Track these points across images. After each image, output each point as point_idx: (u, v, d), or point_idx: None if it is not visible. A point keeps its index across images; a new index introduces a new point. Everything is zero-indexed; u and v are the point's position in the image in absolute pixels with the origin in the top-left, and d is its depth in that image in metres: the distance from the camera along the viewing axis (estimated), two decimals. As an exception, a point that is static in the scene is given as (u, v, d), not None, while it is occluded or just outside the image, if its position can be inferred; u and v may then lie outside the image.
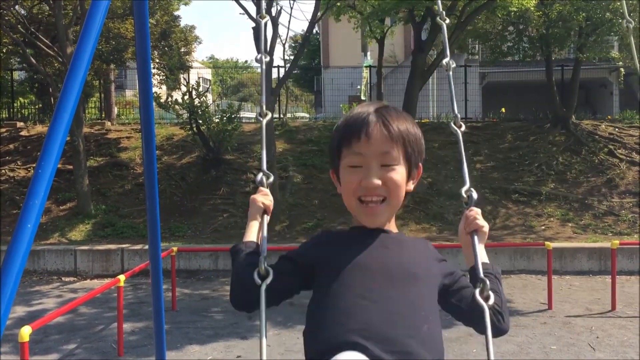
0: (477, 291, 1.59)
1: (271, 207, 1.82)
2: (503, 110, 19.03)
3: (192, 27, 19.52)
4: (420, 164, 1.77)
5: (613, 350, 6.31)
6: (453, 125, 2.00)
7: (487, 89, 24.81)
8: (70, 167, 13.09)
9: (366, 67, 23.38)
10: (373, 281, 1.55)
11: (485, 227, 1.73)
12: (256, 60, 2.22)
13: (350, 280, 1.56)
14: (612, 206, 12.87)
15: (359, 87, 24.76)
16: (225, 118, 14.23)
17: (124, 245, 11.19)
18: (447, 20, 2.25)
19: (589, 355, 6.16)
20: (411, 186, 1.73)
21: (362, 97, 22.32)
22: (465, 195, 1.79)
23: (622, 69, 20.23)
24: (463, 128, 1.98)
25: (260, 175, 1.87)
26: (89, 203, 12.90)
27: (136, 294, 9.29)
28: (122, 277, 6.49)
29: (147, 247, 10.86)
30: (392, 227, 1.72)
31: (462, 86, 19.87)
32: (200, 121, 14.07)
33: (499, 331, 1.69)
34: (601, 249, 10.34)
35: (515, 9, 13.62)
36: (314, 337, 1.56)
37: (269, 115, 1.99)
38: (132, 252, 10.93)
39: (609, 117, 18.46)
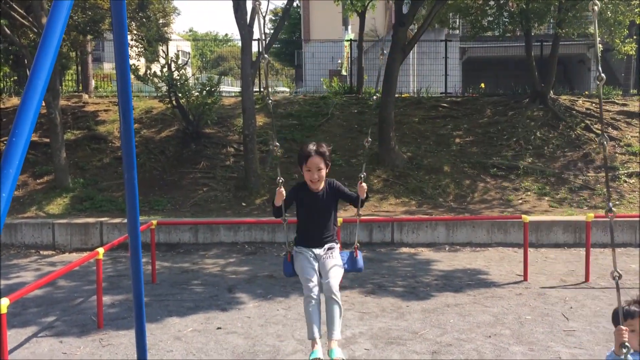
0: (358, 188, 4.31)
1: (284, 197, 4.28)
2: (482, 85, 19.10)
3: (171, -1, 19.20)
4: (329, 163, 4.39)
5: (586, 320, 6.47)
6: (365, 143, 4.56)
7: (467, 63, 24.86)
8: (47, 140, 12.92)
9: (347, 41, 23.25)
10: (314, 209, 4.42)
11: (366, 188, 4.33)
12: (261, 61, 2.59)
13: (308, 209, 4.45)
14: (588, 180, 13.07)
15: (339, 61, 24.64)
16: (205, 91, 14.10)
17: (102, 219, 11.14)
18: None
19: (562, 325, 6.31)
20: (327, 170, 4.39)
21: (343, 72, 22.22)
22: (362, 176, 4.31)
23: (600, 45, 20.36)
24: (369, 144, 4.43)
25: (280, 179, 4.21)
26: (66, 177, 12.78)
27: (116, 267, 9.27)
28: (101, 250, 6.46)
29: (126, 220, 10.82)
30: (321, 187, 4.40)
31: (442, 61, 19.89)
32: (180, 94, 13.93)
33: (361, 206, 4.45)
34: (576, 222, 10.53)
35: (496, -17, 13.60)
36: (298, 227, 4.52)
37: (277, 147, 4.62)
38: (111, 225, 10.88)
39: (586, 92, 18.64)
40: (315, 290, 4.09)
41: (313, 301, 4.07)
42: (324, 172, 4.25)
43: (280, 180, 4.10)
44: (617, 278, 2.60)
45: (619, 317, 2.85)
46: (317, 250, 4.31)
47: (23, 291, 5.12)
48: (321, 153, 4.23)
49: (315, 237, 4.36)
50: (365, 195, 4.25)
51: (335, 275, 4.15)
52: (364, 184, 4.18)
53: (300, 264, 4.26)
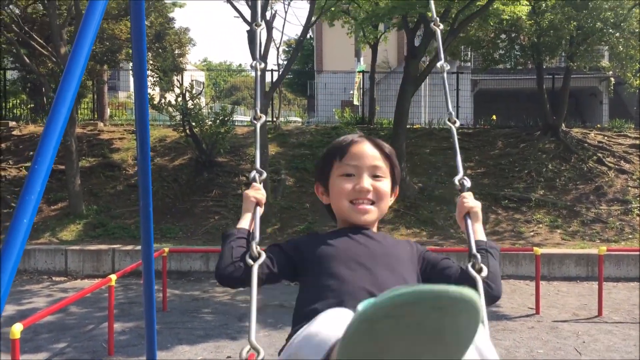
0: (470, 265, 1.84)
1: (263, 200, 1.98)
2: (494, 117, 19.18)
3: (187, 30, 19.60)
4: (397, 187, 1.99)
5: (599, 354, 6.39)
6: (448, 122, 2.35)
7: (479, 95, 24.98)
8: (62, 167, 13.08)
9: (359, 72, 23.50)
10: (359, 258, 1.74)
11: (476, 206, 1.97)
12: (251, 67, 2.42)
13: (339, 259, 1.74)
14: (600, 213, 13.00)
15: (351, 92, 24.86)
16: (218, 120, 14.28)
17: (115, 246, 11.20)
18: (442, 26, 2.45)
19: (575, 359, 6.25)
20: (390, 202, 1.95)
21: (355, 102, 22.41)
22: (458, 183, 2.07)
23: (612, 79, 20.46)
24: (457, 124, 2.35)
25: (253, 173, 2.05)
26: (80, 203, 12.90)
27: (127, 295, 9.30)
28: (113, 277, 6.51)
29: (138, 248, 10.87)
30: (375, 230, 1.94)
31: (454, 93, 20.01)
32: (194, 123, 14.11)
33: (490, 298, 1.85)
34: (589, 255, 10.46)
35: (507, 17, 13.77)
36: (305, 306, 1.73)
37: (263, 118, 2.21)
38: (123, 252, 10.94)
39: (598, 125, 18.64)
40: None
41: None
42: (385, 185, 1.90)
43: (255, 175, 2.06)
44: None
45: None
46: None
47: (35, 317, 5.17)
48: (378, 145, 1.94)
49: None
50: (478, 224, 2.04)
51: None
52: (468, 201, 2.02)
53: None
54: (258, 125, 2.20)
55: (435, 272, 1.91)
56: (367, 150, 1.87)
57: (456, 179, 2.07)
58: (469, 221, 1.95)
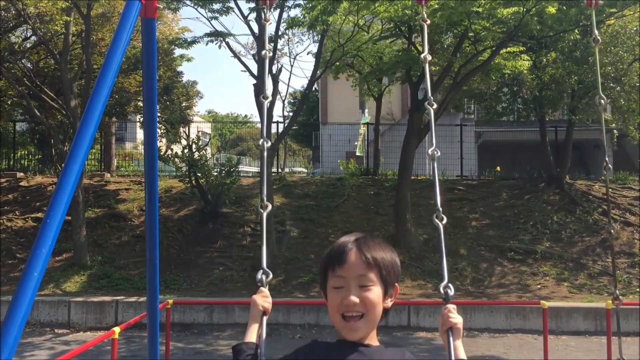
0: None
1: (270, 309, 2.10)
2: (498, 168, 19.27)
3: (194, 83, 19.98)
4: (397, 284, 1.94)
5: (609, 412, 6.25)
6: (427, 105, 2.52)
7: (483, 147, 25.15)
8: (68, 218, 13.13)
9: (364, 124, 23.78)
10: None
11: (459, 323, 1.97)
12: (262, 97, 2.63)
13: None
14: (607, 266, 12.89)
15: (356, 143, 25.08)
16: (224, 172, 14.40)
17: (118, 297, 11.14)
18: (430, 58, 2.64)
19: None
20: (389, 303, 1.92)
21: (358, 154, 22.59)
22: (442, 291, 2.05)
23: (615, 131, 20.61)
24: (435, 106, 2.57)
25: (260, 274, 2.16)
26: (85, 254, 12.90)
27: (129, 347, 9.20)
28: (117, 329, 6.46)
29: (142, 299, 10.80)
30: (372, 340, 1.91)
31: (457, 144, 20.19)
32: (199, 174, 14.23)
33: None
34: (597, 309, 10.32)
35: (509, 72, 14.02)
36: None
37: (269, 207, 2.37)
38: (126, 304, 10.87)
39: (603, 177, 18.66)
40: None
41: None
42: (374, 293, 1.86)
43: (266, 277, 2.23)
44: None
45: None
46: None
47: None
48: (364, 253, 1.89)
49: None
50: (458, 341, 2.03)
51: None
52: (452, 315, 2.04)
53: None
54: (264, 215, 2.28)
55: None
56: (353, 260, 1.85)
57: (441, 287, 2.06)
58: (450, 338, 1.95)
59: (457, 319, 1.96)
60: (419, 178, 17.85)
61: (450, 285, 2.05)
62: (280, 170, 18.66)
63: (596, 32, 3.11)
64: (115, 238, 14.23)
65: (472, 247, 13.79)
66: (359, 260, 1.84)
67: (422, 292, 11.85)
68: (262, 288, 2.10)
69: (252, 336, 2.03)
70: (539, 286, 12.16)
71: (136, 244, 13.68)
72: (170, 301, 8.48)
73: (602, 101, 2.63)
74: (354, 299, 1.81)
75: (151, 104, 3.62)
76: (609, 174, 2.68)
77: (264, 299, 2.09)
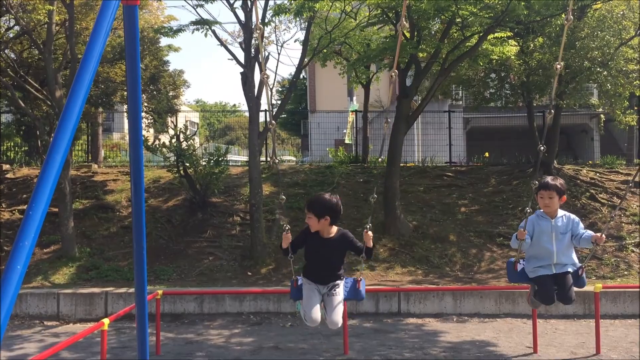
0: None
1: (289, 240, 4.57)
2: (487, 154, 19.33)
3: (181, 72, 19.80)
4: (336, 215, 4.62)
5: (598, 394, 6.31)
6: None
7: (471, 133, 25.22)
8: (56, 209, 13.04)
9: (352, 111, 23.74)
10: (321, 253, 4.69)
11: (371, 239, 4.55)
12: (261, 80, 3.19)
13: (315, 252, 4.71)
14: (595, 250, 12.97)
15: (344, 131, 25.05)
16: (212, 161, 14.32)
17: (108, 289, 11.09)
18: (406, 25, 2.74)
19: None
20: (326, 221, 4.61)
21: (347, 141, 22.57)
22: (368, 227, 4.46)
23: (602, 116, 20.74)
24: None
25: (285, 226, 4.56)
26: (73, 246, 12.81)
27: (119, 339, 9.17)
28: (106, 321, 6.43)
29: (131, 290, 10.76)
30: (332, 233, 4.69)
31: (446, 131, 20.22)
32: (187, 164, 14.14)
33: (369, 256, 4.66)
34: (585, 292, 10.38)
35: (496, 57, 14.01)
36: (306, 266, 4.82)
37: (283, 199, 4.76)
38: (116, 295, 10.83)
39: (590, 162, 18.79)
40: (315, 323, 4.63)
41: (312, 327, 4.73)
42: (324, 221, 4.51)
43: (287, 227, 4.45)
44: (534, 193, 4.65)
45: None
46: (322, 288, 4.71)
47: (27, 363, 5.08)
48: (310, 208, 4.61)
49: (321, 276, 4.72)
50: (371, 243, 4.48)
51: (338, 312, 4.65)
52: (369, 232, 4.38)
53: (305, 297, 4.69)
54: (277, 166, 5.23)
55: (351, 247, 4.62)
56: (312, 216, 4.62)
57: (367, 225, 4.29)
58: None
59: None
60: (407, 165, 17.87)
61: (369, 224, 4.33)
62: (269, 158, 18.60)
63: (570, 16, 3.18)
64: (103, 229, 14.14)
65: (461, 233, 13.85)
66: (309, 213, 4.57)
67: (412, 278, 11.90)
68: (284, 234, 4.56)
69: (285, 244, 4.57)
70: (527, 271, 12.23)
71: (125, 235, 13.61)
72: (160, 292, 8.46)
73: (559, 66, 2.80)
74: (318, 227, 4.62)
75: (135, 91, 3.57)
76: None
77: (285, 239, 4.55)
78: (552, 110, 4.02)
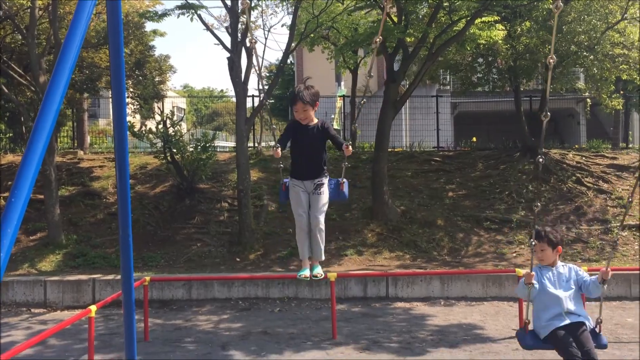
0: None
1: (279, 154, 4.51)
2: (474, 139, 19.38)
3: (167, 57, 19.60)
4: (317, 102, 4.74)
5: (583, 375, 6.39)
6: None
7: (459, 118, 25.27)
8: (41, 196, 12.94)
9: (340, 96, 23.67)
10: (306, 142, 4.72)
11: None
12: (248, 43, 3.66)
13: (300, 141, 4.73)
14: (581, 233, 13.12)
15: (332, 116, 25.00)
16: (199, 147, 14.25)
17: (95, 276, 11.05)
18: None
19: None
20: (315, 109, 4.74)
21: (335, 127, 22.53)
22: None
23: (588, 100, 20.84)
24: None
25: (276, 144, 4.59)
26: (59, 233, 12.73)
27: (107, 325, 9.15)
28: (93, 308, 6.41)
29: (119, 277, 10.72)
30: (314, 121, 4.74)
31: (434, 116, 20.23)
32: (175, 150, 14.06)
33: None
34: (571, 275, 10.51)
35: (483, 42, 14.00)
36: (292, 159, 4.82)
37: (279, 152, 4.57)
38: (103, 282, 10.79)
39: (576, 146, 18.90)
40: (304, 221, 4.75)
41: (303, 232, 4.76)
42: (309, 112, 4.67)
43: (277, 146, 4.56)
44: (532, 244, 4.37)
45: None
46: (307, 184, 4.77)
47: (14, 351, 5.06)
48: (301, 98, 4.66)
49: (306, 170, 4.79)
50: (349, 153, 4.69)
51: (322, 210, 4.78)
52: (350, 147, 4.65)
53: (293, 197, 4.82)
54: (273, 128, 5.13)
55: (330, 136, 4.75)
56: (301, 105, 4.65)
57: (347, 142, 4.69)
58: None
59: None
60: (395, 150, 17.88)
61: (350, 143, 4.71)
62: (256, 144, 18.53)
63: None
64: (90, 216, 14.06)
65: (448, 217, 13.91)
66: (302, 103, 4.63)
67: (400, 263, 11.96)
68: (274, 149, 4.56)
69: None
70: (514, 254, 12.34)
71: (112, 221, 13.54)
72: (147, 278, 8.44)
73: (552, 60, 2.74)
74: (302, 116, 4.68)
75: (118, 74, 3.52)
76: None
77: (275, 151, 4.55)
78: (541, 159, 3.95)
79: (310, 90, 4.74)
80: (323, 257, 4.86)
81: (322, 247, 4.81)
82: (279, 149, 4.54)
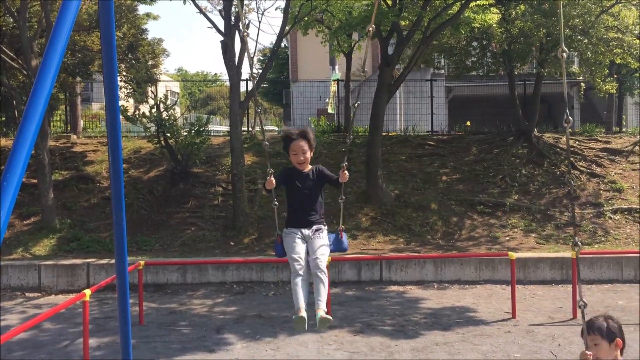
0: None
1: (274, 183, 4.38)
2: (468, 123, 19.38)
3: (160, 40, 19.48)
4: (313, 146, 4.55)
5: (574, 357, 6.46)
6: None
7: (453, 102, 25.24)
8: (35, 181, 12.89)
9: (334, 80, 23.59)
10: (303, 188, 4.49)
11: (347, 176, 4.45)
12: (241, 34, 3.08)
13: (296, 187, 4.49)
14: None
15: (327, 100, 24.94)
16: (193, 131, 14.20)
17: (89, 260, 11.05)
18: None
19: (550, 362, 6.31)
20: (311, 154, 4.53)
21: (330, 111, 22.49)
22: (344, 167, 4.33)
23: (582, 84, 20.84)
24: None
25: (269, 170, 4.34)
26: (53, 217, 12.71)
27: (102, 309, 9.18)
28: (87, 292, 6.43)
29: (113, 261, 10.73)
30: (309, 167, 4.53)
31: (428, 100, 20.19)
32: (168, 134, 14.01)
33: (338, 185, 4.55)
34: (563, 258, 10.60)
35: (478, 25, 13.95)
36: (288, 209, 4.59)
37: (267, 146, 4.68)
38: (98, 266, 10.80)
39: (570, 130, 18.92)
40: (302, 269, 4.29)
41: (299, 279, 4.25)
42: (309, 154, 4.46)
43: (270, 171, 4.32)
44: (582, 307, 3.30)
45: (584, 337, 3.44)
46: (305, 231, 4.41)
47: (8, 335, 5.07)
48: (305, 136, 4.44)
49: (303, 217, 4.47)
50: (346, 179, 4.44)
51: (323, 254, 4.37)
52: (346, 172, 4.37)
53: (288, 244, 4.42)
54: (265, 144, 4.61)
55: (327, 178, 4.56)
56: (301, 144, 4.44)
57: (344, 163, 4.22)
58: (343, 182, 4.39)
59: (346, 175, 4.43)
60: (389, 134, 17.86)
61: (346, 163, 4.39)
62: (250, 128, 18.48)
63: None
64: (84, 200, 14.03)
65: (442, 201, 13.95)
66: (302, 142, 4.43)
67: (394, 247, 12.01)
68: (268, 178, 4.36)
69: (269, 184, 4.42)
70: (507, 238, 12.41)
71: (106, 206, 13.52)
72: (142, 262, 8.45)
73: (565, 54, 2.63)
74: (302, 158, 4.47)
75: (110, 57, 3.50)
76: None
77: (269, 182, 4.37)
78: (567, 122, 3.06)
79: (312, 132, 4.54)
80: (325, 309, 4.25)
81: (325, 294, 4.28)
82: (272, 176, 4.30)
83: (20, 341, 7.34)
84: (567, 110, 2.75)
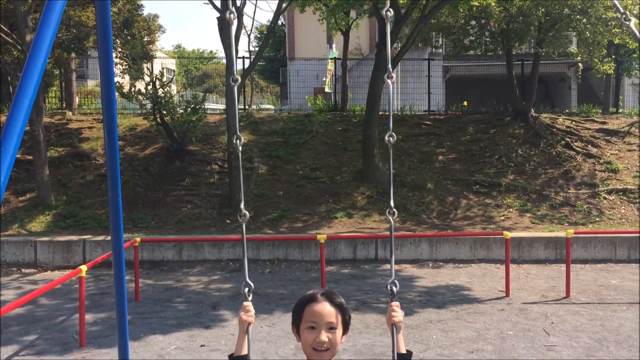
0: None
1: (253, 320, 2.44)
2: (465, 103, 19.33)
3: (155, 16, 19.29)
4: (348, 328, 2.39)
5: (567, 335, 6.54)
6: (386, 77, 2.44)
7: (450, 82, 25.15)
8: (30, 157, 12.86)
9: (331, 59, 23.45)
10: None
11: (401, 320, 2.39)
12: (226, 18, 2.57)
13: None
14: (569, 197, 13.24)
15: (324, 79, 24.81)
16: (189, 109, 14.14)
17: (85, 237, 11.07)
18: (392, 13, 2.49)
19: (543, 340, 6.38)
20: (344, 339, 2.36)
21: (327, 90, 22.38)
22: (389, 288, 2.39)
23: (580, 64, 20.76)
24: (393, 79, 2.43)
25: (243, 286, 2.47)
26: (49, 194, 12.70)
27: (98, 285, 9.22)
28: (83, 268, 6.44)
29: (109, 238, 10.74)
30: None
31: (425, 79, 20.11)
32: (164, 111, 13.95)
33: None
34: (557, 238, 10.66)
35: (476, 4, 13.85)
36: None
37: (240, 142, 2.46)
38: (94, 243, 10.82)
39: (567, 110, 18.91)
40: None
41: None
42: (338, 335, 2.33)
43: (250, 287, 2.51)
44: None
45: None
46: None
47: (4, 309, 5.09)
48: (333, 301, 2.37)
49: None
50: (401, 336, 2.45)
51: None
52: (395, 313, 2.42)
53: None
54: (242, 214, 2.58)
55: None
56: (325, 309, 2.31)
57: (388, 284, 2.39)
58: (394, 331, 2.34)
59: (399, 316, 2.36)
60: (386, 113, 17.80)
61: (396, 281, 2.36)
62: (247, 107, 18.40)
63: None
64: (79, 177, 14.01)
65: (438, 181, 13.98)
66: (330, 308, 2.31)
67: (389, 226, 12.03)
68: (245, 303, 2.42)
69: (242, 348, 2.39)
70: (502, 217, 12.46)
71: (102, 183, 13.50)
72: (138, 239, 8.47)
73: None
74: (325, 338, 2.27)
75: (105, 33, 3.47)
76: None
77: (247, 314, 2.42)
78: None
79: (340, 297, 2.47)
80: None
81: None
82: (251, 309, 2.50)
83: (16, 316, 7.38)
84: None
